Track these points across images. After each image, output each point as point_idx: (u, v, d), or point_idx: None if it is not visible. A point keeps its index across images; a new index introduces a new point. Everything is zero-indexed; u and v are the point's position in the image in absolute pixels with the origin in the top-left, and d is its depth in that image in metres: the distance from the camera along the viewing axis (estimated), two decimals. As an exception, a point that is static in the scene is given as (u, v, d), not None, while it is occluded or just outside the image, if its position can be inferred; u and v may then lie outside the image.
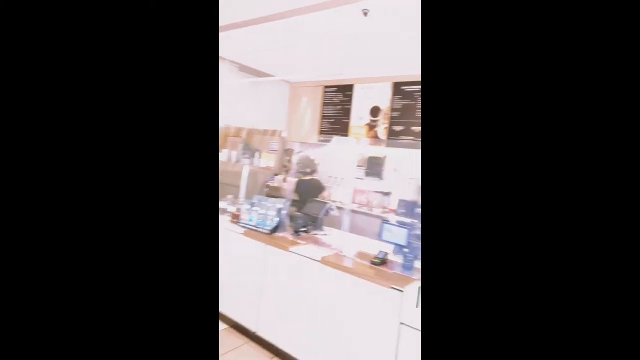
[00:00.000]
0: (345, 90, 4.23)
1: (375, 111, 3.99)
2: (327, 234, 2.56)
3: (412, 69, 3.47)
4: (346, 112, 4.21)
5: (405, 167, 3.82)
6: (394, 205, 3.66)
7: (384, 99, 3.91)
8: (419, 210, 2.23)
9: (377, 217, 3.49)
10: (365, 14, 2.38)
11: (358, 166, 4.19)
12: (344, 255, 2.07)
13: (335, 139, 4.22)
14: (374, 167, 4.08)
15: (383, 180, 3.98)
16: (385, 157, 4.02)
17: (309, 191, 3.13)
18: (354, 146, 4.20)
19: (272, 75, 4.29)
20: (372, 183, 4.02)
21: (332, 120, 4.33)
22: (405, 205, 3.63)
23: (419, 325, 1.61)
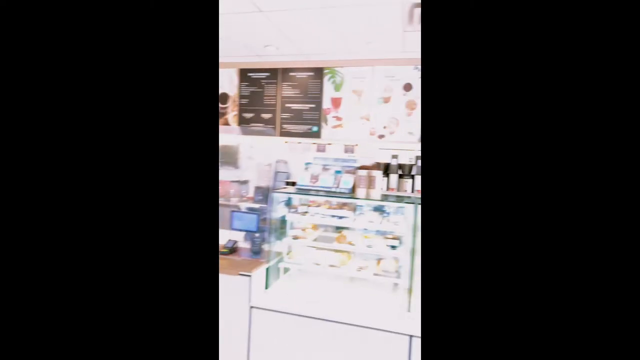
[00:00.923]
0: (190, 76, 3.94)
1: (223, 98, 3.86)
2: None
3: (257, 56, 3.48)
4: (193, 100, 3.94)
5: (259, 155, 3.86)
6: (252, 192, 3.67)
7: (232, 85, 3.82)
8: (274, 194, 2.28)
9: (235, 206, 3.43)
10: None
11: (211, 156, 4.02)
12: (192, 251, 1.96)
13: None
14: (228, 156, 3.97)
15: (239, 169, 3.93)
16: (239, 145, 3.96)
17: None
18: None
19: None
20: (228, 173, 3.92)
21: (178, 108, 3.99)
22: (262, 192, 3.69)
23: (267, 306, 1.67)
